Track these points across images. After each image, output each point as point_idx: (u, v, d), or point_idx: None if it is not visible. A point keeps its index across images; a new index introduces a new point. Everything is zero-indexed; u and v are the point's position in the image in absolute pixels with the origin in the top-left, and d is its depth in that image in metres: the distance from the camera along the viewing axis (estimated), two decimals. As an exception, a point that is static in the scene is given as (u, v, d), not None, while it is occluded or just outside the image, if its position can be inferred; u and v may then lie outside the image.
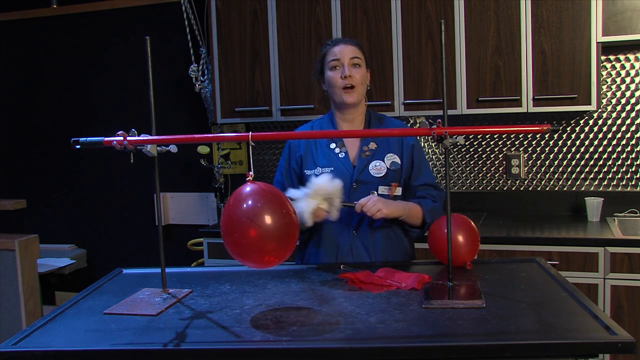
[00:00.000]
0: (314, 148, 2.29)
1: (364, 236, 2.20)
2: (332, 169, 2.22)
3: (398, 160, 2.23)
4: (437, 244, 1.99)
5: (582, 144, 3.44)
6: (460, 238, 1.93)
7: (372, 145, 2.24)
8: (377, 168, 2.20)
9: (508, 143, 3.57)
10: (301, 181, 2.26)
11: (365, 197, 2.08)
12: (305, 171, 2.27)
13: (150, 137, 1.77)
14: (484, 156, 3.61)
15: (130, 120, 3.94)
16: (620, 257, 2.82)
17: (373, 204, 2.05)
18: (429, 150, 3.70)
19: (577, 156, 3.45)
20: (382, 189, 2.19)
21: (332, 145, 2.27)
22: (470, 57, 3.24)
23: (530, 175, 3.54)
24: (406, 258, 2.28)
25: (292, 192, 2.05)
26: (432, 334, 1.47)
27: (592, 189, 3.43)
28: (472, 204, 3.62)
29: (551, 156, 3.49)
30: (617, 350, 1.37)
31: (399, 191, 2.22)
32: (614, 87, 3.35)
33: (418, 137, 2.89)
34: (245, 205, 1.53)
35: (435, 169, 3.70)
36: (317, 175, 2.22)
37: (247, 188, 1.57)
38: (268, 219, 1.51)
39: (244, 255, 1.56)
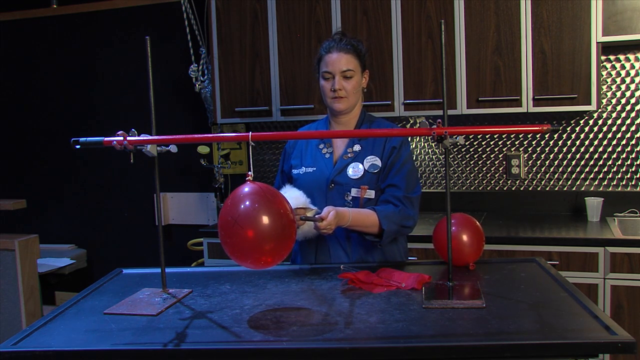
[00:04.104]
0: (305, 148, 2.32)
1: (340, 236, 2.20)
2: (315, 168, 2.25)
3: (379, 162, 2.21)
4: (442, 243, 1.99)
5: (582, 144, 3.44)
6: (465, 238, 1.93)
7: (357, 148, 2.24)
8: (355, 170, 2.20)
9: (508, 143, 3.57)
10: (290, 182, 2.30)
11: (327, 221, 1.99)
12: (293, 171, 2.31)
13: (150, 137, 1.77)
14: (484, 156, 3.61)
15: (130, 120, 3.96)
16: (620, 257, 2.82)
17: (328, 225, 2.00)
18: (429, 151, 3.70)
19: (577, 156, 3.45)
20: (355, 192, 2.19)
21: (321, 146, 2.29)
22: (470, 57, 3.24)
23: (530, 175, 3.54)
24: (391, 258, 2.25)
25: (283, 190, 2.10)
26: (432, 334, 1.47)
27: (592, 189, 3.43)
28: (472, 204, 3.62)
29: (551, 156, 3.49)
30: (617, 350, 1.37)
31: (371, 194, 2.19)
32: (614, 87, 3.35)
33: (410, 139, 2.87)
34: (239, 206, 1.53)
35: (436, 169, 3.70)
36: (302, 174, 2.26)
37: (245, 188, 1.57)
38: (264, 220, 1.51)
39: (239, 256, 1.56)
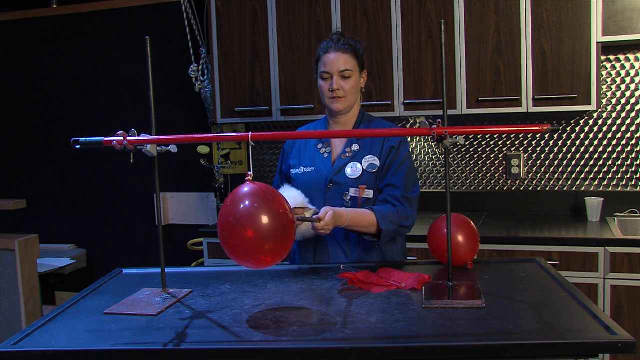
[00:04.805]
0: (303, 148, 2.32)
1: (339, 236, 2.20)
2: (313, 168, 2.25)
3: (377, 162, 2.21)
4: (436, 244, 2.00)
5: (582, 144, 3.44)
6: (460, 238, 1.94)
7: (355, 147, 2.24)
8: (353, 170, 2.20)
9: (508, 143, 3.57)
10: (289, 182, 2.30)
11: (324, 221, 1.98)
12: (291, 171, 2.31)
13: (150, 137, 1.77)
14: (484, 156, 3.61)
15: (130, 120, 3.96)
16: (620, 257, 2.82)
17: (326, 225, 1.98)
18: (429, 150, 3.70)
19: (577, 156, 3.45)
20: (353, 191, 2.19)
21: (320, 146, 2.29)
22: (470, 57, 3.24)
23: (530, 175, 3.54)
24: (390, 258, 2.25)
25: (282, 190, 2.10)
26: (432, 334, 1.47)
27: (592, 189, 3.43)
28: (472, 204, 3.62)
29: (551, 156, 3.49)
30: (617, 350, 1.38)
31: (369, 194, 2.19)
32: (614, 87, 3.35)
33: (410, 139, 2.83)
34: (239, 206, 1.53)
35: (436, 169, 3.70)
36: (300, 174, 2.26)
37: (245, 188, 1.57)
38: (264, 220, 1.51)
39: (240, 256, 1.56)
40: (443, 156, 3.67)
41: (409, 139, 2.72)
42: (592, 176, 3.43)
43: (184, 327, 1.57)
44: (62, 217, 4.56)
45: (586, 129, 3.42)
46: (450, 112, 3.24)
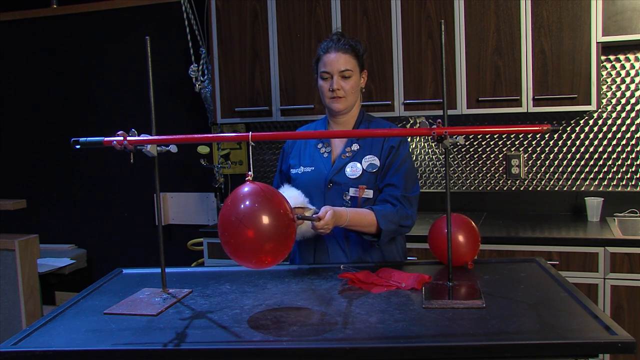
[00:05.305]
0: (303, 148, 2.33)
1: (339, 236, 2.20)
2: (313, 168, 2.26)
3: (377, 162, 2.21)
4: (437, 244, 2.00)
5: (582, 144, 3.44)
6: (461, 238, 1.94)
7: (355, 147, 2.24)
8: (353, 169, 2.20)
9: (508, 143, 3.57)
10: (289, 182, 2.30)
11: (324, 220, 1.98)
12: (291, 171, 2.31)
13: (150, 137, 1.77)
14: (484, 156, 3.61)
15: (130, 120, 3.96)
16: (620, 257, 2.82)
17: (325, 225, 1.98)
18: (429, 150, 3.70)
19: (577, 156, 3.45)
20: (353, 191, 2.19)
21: (319, 146, 2.29)
22: (470, 57, 3.24)
23: (530, 175, 3.54)
24: (390, 258, 2.25)
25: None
26: (432, 334, 1.47)
27: (592, 189, 3.43)
28: (472, 204, 3.62)
29: (551, 156, 3.49)
30: (617, 350, 1.38)
31: (369, 194, 2.19)
32: (614, 87, 3.35)
33: (410, 139, 2.81)
34: (240, 206, 1.54)
35: (436, 169, 3.70)
36: (300, 174, 2.27)
37: (245, 188, 1.57)
38: (265, 219, 1.51)
39: (239, 256, 1.56)
40: (443, 156, 3.67)
41: (409, 139, 2.72)
42: (592, 176, 3.43)
43: (184, 327, 1.57)
44: (62, 217, 4.56)
45: (586, 129, 3.42)
46: (450, 112, 3.24)
